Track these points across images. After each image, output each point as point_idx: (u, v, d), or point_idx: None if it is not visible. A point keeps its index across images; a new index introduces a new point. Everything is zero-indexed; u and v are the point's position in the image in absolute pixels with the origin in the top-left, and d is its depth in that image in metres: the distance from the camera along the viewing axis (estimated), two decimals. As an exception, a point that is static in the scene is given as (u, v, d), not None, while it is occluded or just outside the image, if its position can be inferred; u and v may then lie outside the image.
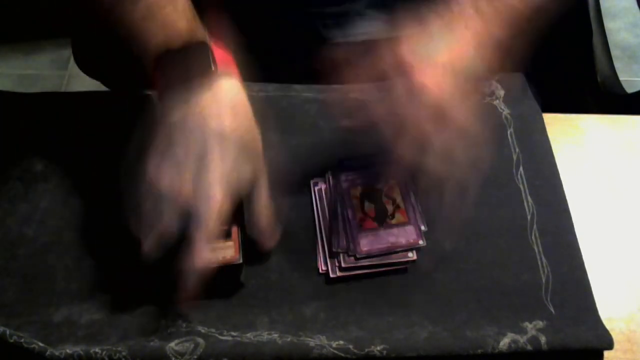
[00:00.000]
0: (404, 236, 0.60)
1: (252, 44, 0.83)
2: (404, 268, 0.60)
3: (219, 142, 0.54)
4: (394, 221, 0.61)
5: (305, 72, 0.76)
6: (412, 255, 0.59)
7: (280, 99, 0.73)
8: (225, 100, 0.56)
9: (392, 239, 0.60)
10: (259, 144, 0.58)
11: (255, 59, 0.83)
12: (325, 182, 0.65)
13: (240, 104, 0.58)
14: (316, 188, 0.65)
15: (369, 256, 0.59)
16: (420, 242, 0.60)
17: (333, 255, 0.60)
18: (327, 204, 0.63)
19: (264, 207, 0.58)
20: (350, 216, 0.61)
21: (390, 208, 0.62)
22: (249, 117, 0.58)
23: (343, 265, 0.59)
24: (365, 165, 0.65)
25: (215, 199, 0.53)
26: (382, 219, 0.61)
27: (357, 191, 0.63)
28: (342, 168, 0.65)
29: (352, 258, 0.59)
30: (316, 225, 0.63)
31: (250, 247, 0.60)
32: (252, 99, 0.72)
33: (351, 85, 0.74)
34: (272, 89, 0.73)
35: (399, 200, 0.62)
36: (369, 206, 0.62)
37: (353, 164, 0.65)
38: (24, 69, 1.78)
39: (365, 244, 0.60)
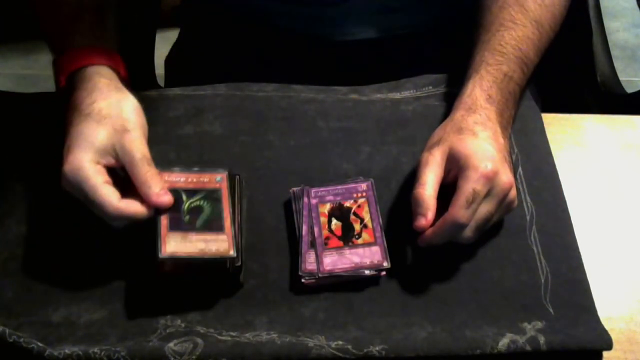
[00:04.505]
0: (369, 257, 0.59)
1: (251, 43, 0.83)
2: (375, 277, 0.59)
3: None
4: (359, 241, 0.60)
5: (304, 72, 0.76)
6: (369, 272, 0.59)
7: (279, 99, 0.73)
8: None
9: (356, 259, 0.59)
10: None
11: (254, 59, 0.84)
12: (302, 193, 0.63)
13: None
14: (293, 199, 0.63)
15: (331, 275, 0.58)
16: (385, 263, 0.59)
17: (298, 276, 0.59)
18: (296, 221, 0.62)
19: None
20: (316, 234, 0.60)
21: (357, 227, 0.61)
22: None
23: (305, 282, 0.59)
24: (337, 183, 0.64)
25: None
26: (348, 238, 0.60)
27: (326, 208, 0.62)
28: (312, 185, 0.64)
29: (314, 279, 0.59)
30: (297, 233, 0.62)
31: (251, 248, 0.60)
32: (252, 99, 0.72)
33: (351, 85, 0.74)
34: (272, 89, 0.73)
35: (367, 219, 0.61)
36: (336, 224, 0.62)
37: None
38: (24, 69, 1.78)
39: (329, 263, 0.59)
